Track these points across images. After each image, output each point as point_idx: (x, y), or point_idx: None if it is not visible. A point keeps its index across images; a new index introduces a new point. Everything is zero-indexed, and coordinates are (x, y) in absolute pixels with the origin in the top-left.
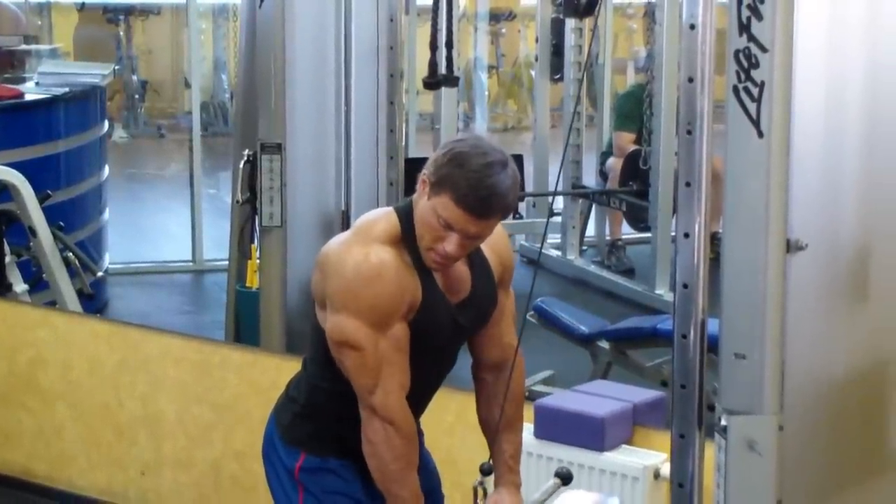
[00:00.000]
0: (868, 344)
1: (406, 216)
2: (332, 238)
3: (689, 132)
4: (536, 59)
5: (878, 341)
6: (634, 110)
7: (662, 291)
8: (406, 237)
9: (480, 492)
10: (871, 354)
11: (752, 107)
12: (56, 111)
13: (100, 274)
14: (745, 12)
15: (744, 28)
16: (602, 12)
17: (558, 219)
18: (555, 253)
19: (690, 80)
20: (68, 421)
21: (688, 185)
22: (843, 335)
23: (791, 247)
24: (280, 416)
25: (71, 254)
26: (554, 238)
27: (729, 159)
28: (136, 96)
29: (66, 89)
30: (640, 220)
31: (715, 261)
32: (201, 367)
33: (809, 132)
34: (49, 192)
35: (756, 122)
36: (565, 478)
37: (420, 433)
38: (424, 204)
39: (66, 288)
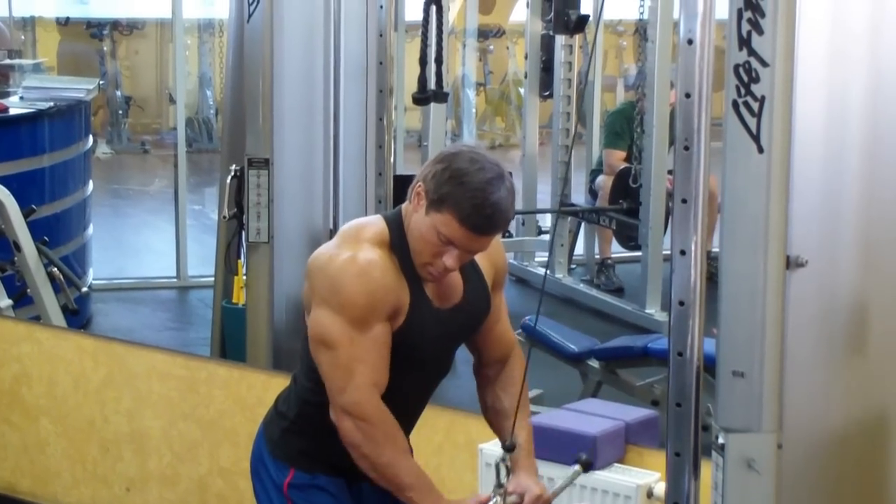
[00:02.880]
0: (867, 373)
1: (396, 225)
2: (320, 246)
3: (686, 148)
4: (526, 76)
5: (879, 365)
6: (625, 128)
7: (653, 311)
8: (395, 244)
9: (503, 469)
10: (871, 389)
11: (751, 122)
12: (41, 126)
13: (84, 289)
14: (746, 26)
15: (744, 42)
16: (593, 29)
17: (546, 237)
18: (542, 271)
19: (688, 95)
20: (53, 436)
21: (684, 201)
22: (843, 356)
23: (791, 263)
24: (269, 432)
25: (55, 269)
26: (541, 256)
27: (728, 175)
28: (120, 112)
29: (51, 104)
30: (630, 238)
31: (709, 280)
32: (187, 382)
33: (809, 147)
34: (34, 206)
35: (756, 138)
36: (586, 465)
37: (409, 450)
38: (421, 219)
39: (50, 303)
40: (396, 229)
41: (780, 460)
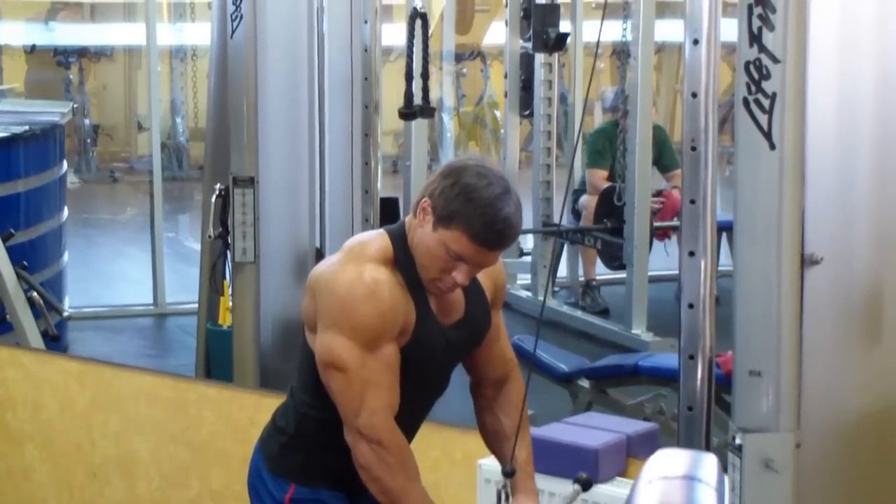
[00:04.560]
0: (884, 370)
1: (400, 239)
2: (321, 261)
3: (693, 148)
4: (506, 95)
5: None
6: (607, 147)
7: (639, 331)
8: (399, 259)
9: (503, 495)
10: (887, 385)
11: (763, 118)
12: (15, 150)
13: (66, 313)
14: (756, 23)
15: (755, 39)
16: (573, 50)
17: (528, 258)
18: (525, 294)
19: (694, 95)
20: (38, 462)
21: (692, 202)
22: (859, 354)
23: (806, 261)
24: (267, 447)
25: (35, 294)
26: (523, 279)
27: (740, 173)
28: (88, 140)
29: (26, 127)
30: (614, 258)
31: None
32: (176, 404)
33: (821, 143)
34: (12, 231)
35: (768, 134)
36: (585, 484)
37: (418, 475)
38: (429, 235)
39: (30, 329)
40: (400, 244)
41: (798, 460)
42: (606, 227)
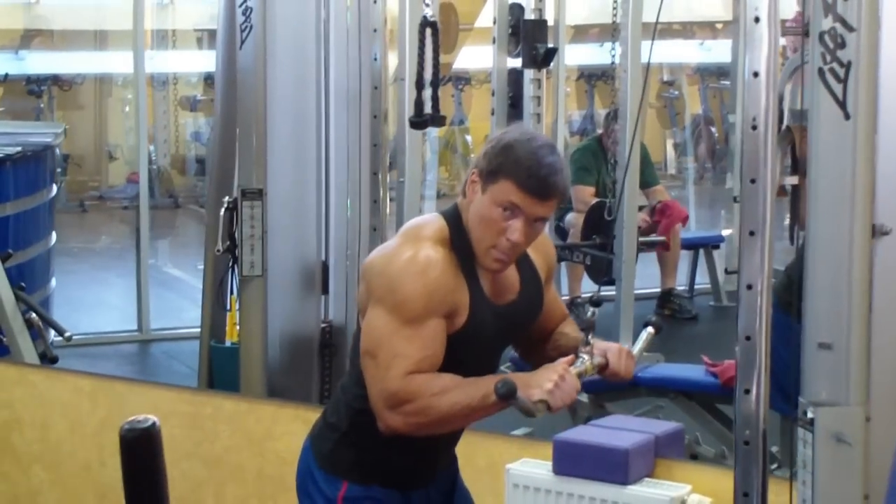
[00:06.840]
0: None
1: (454, 220)
2: (377, 247)
3: (754, 127)
4: (493, 113)
5: None
6: (591, 163)
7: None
8: (455, 240)
9: (592, 326)
10: None
11: (837, 88)
12: (5, 172)
13: (67, 334)
14: None
15: (829, 9)
16: (556, 70)
17: None
18: None
19: (756, 74)
20: (46, 485)
21: (752, 181)
22: None
23: (876, 231)
24: (318, 446)
25: (34, 315)
26: None
27: (813, 143)
28: (58, 170)
29: (18, 149)
30: (602, 273)
31: (672, 317)
32: (191, 419)
33: (892, 111)
34: (10, 251)
35: (843, 104)
36: (657, 326)
37: (454, 459)
38: (479, 201)
39: (28, 351)
40: (455, 225)
41: (868, 434)
42: (595, 243)
